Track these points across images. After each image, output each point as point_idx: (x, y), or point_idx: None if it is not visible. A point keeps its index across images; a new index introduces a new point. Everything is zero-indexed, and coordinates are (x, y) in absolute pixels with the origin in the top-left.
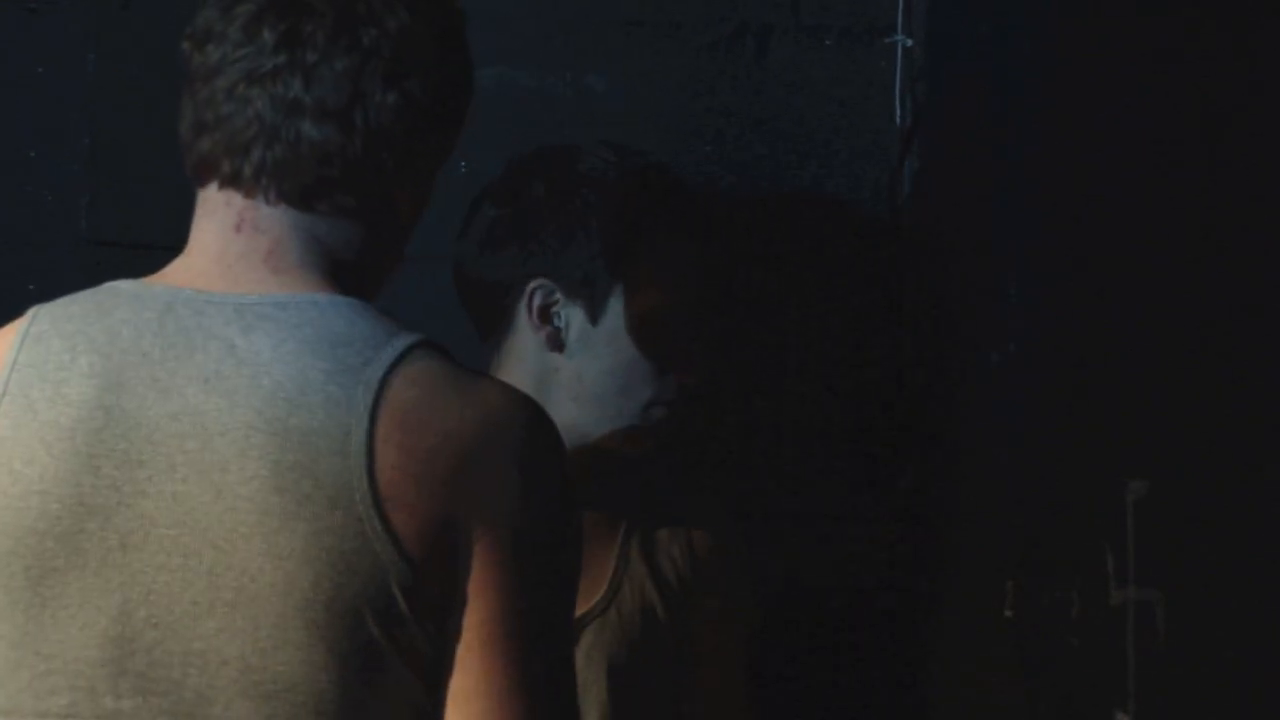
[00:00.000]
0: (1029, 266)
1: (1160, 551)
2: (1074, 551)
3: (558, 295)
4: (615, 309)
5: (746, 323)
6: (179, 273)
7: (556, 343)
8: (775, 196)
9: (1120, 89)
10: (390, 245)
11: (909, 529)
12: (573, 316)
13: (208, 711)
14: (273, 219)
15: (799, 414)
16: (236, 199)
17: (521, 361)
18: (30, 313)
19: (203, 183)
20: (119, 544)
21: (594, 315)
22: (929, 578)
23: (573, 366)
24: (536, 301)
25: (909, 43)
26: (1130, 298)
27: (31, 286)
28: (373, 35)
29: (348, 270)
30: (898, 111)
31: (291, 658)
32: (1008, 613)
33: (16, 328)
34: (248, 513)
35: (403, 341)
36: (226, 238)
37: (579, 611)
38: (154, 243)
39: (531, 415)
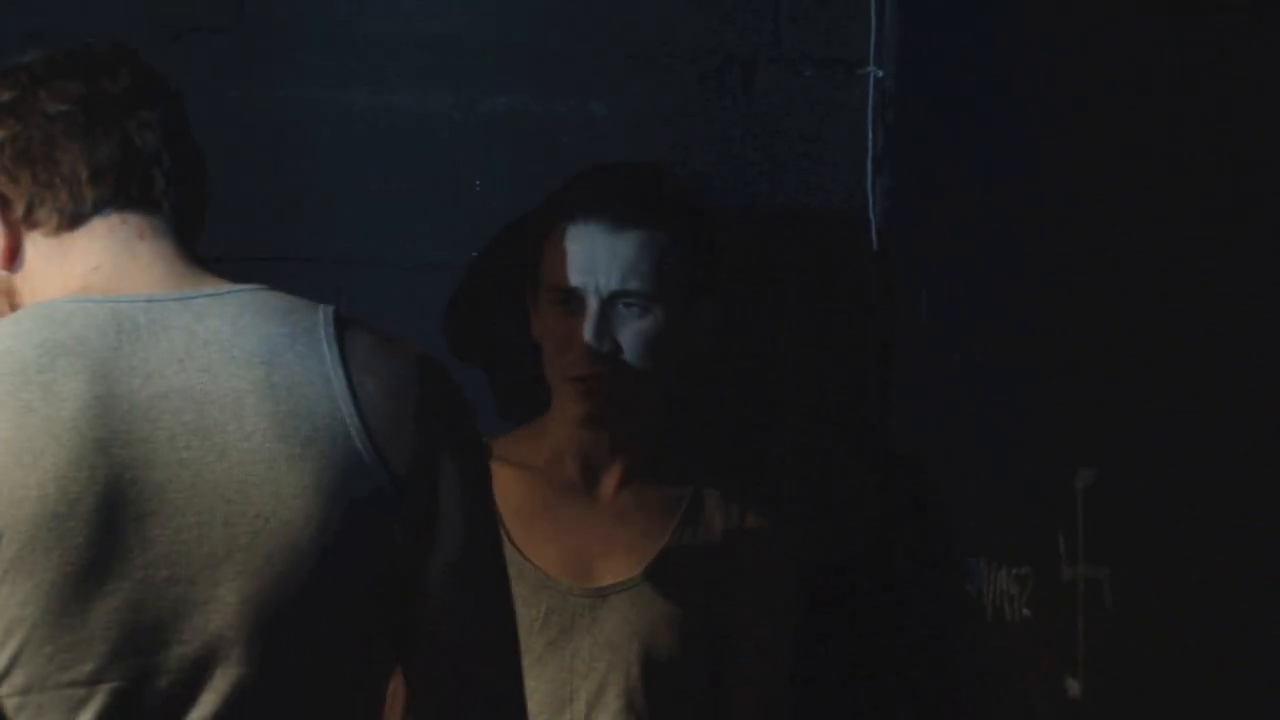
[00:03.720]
0: (988, 275)
1: (1107, 533)
2: (1030, 533)
3: None
4: (543, 297)
5: (729, 332)
6: (100, 283)
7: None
8: (759, 213)
9: (1076, 115)
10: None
11: (880, 514)
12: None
13: (229, 651)
14: (163, 229)
15: (779, 415)
16: (133, 217)
17: None
18: None
19: (87, 219)
20: (135, 514)
21: (534, 303)
22: (898, 555)
23: None
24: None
25: (880, 73)
26: (1081, 305)
27: None
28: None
29: (204, 262)
30: (869, 136)
31: (305, 583)
32: (969, 587)
33: None
34: (254, 464)
35: (328, 309)
36: (134, 246)
37: (624, 577)
38: None
39: (437, 361)
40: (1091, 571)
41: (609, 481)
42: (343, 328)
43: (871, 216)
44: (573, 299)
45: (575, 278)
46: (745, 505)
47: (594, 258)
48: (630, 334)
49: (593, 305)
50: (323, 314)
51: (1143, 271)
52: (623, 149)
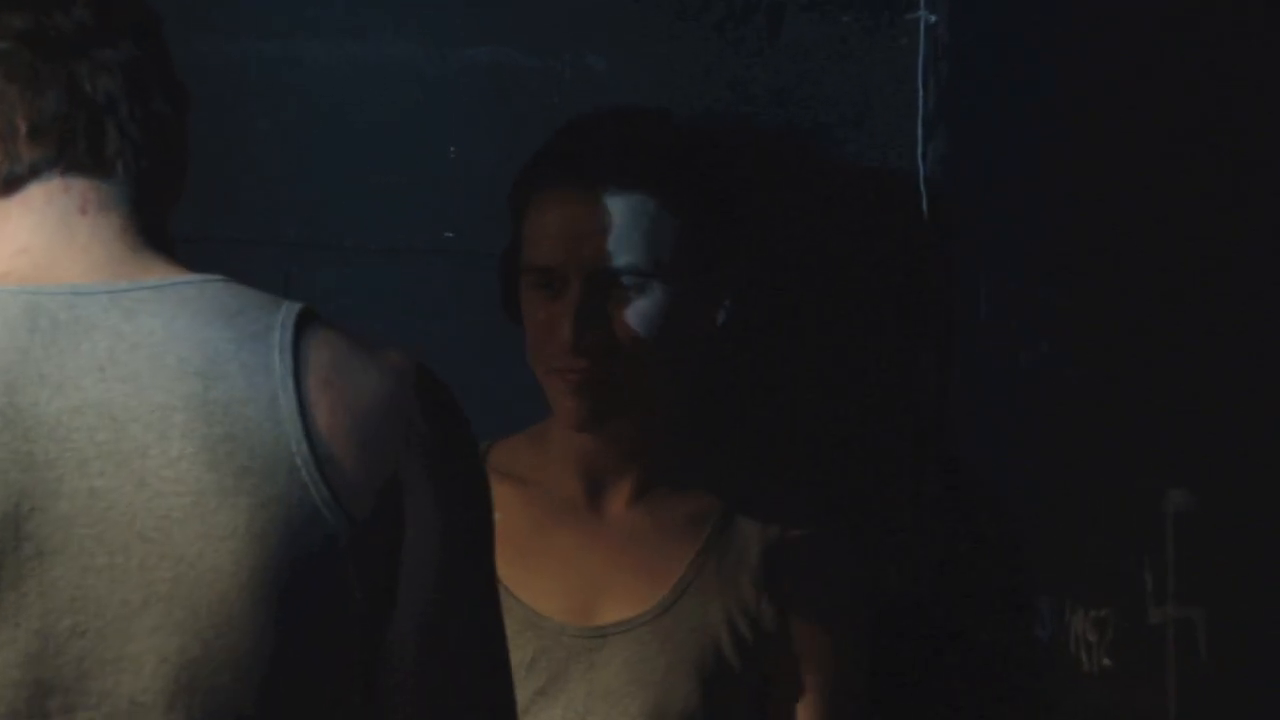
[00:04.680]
0: (1062, 259)
1: (1202, 566)
2: (1109, 566)
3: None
4: (523, 278)
5: (757, 322)
6: (24, 269)
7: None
8: (789, 186)
9: (1161, 65)
10: (175, 208)
11: (931, 542)
12: None
13: (145, 719)
14: (116, 198)
15: (811, 417)
16: (77, 183)
17: None
18: None
19: (23, 184)
20: (35, 552)
21: (515, 281)
22: (954, 595)
23: None
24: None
25: (932, 19)
26: (1173, 292)
27: None
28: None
29: (169, 242)
30: (920, 93)
31: (237, 644)
32: (1039, 632)
33: None
34: (178, 496)
35: (294, 307)
36: (72, 223)
37: (628, 614)
38: None
39: (430, 371)
40: (1184, 613)
41: (618, 497)
42: (304, 331)
43: (922, 189)
44: (554, 279)
45: (554, 253)
46: (795, 525)
47: (575, 229)
48: (624, 318)
49: (575, 285)
50: (283, 314)
51: (1253, 253)
52: None
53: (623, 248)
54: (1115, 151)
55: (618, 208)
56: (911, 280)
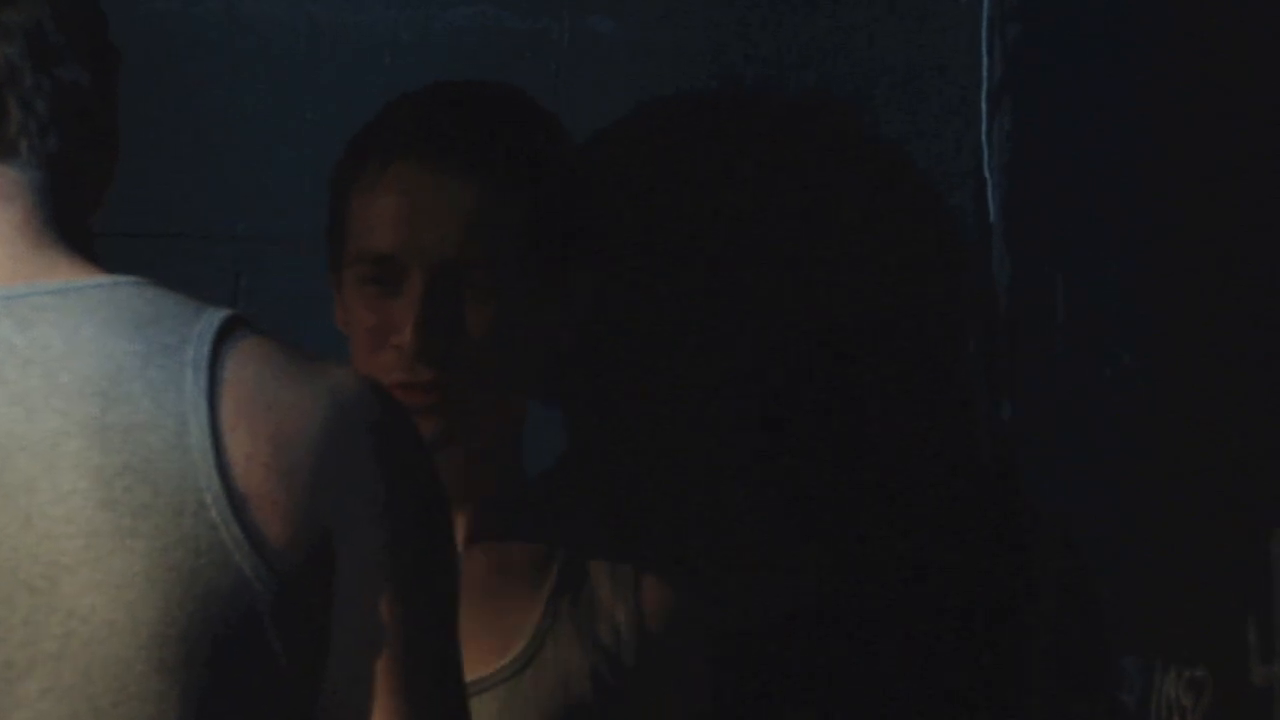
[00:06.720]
0: (1149, 256)
1: None
2: (1205, 619)
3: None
4: (347, 273)
5: (785, 328)
6: None
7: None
8: (827, 170)
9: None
10: (103, 196)
11: (999, 591)
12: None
13: None
14: (21, 184)
15: (848, 441)
16: None
17: None
18: None
19: None
20: None
21: (338, 283)
22: (1022, 654)
23: None
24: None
25: None
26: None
27: None
28: None
29: (86, 237)
30: (984, 61)
31: (136, 713)
32: (1124, 696)
33: None
34: (68, 538)
35: (217, 315)
36: None
37: (485, 672)
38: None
39: (381, 394)
40: None
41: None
42: (226, 344)
43: (987, 174)
44: (389, 272)
45: (391, 240)
46: (639, 565)
47: (418, 212)
48: (474, 321)
49: (419, 278)
50: (204, 324)
51: None
52: (634, 81)
53: (471, 237)
54: (1214, 131)
55: (472, 190)
56: (973, 284)
